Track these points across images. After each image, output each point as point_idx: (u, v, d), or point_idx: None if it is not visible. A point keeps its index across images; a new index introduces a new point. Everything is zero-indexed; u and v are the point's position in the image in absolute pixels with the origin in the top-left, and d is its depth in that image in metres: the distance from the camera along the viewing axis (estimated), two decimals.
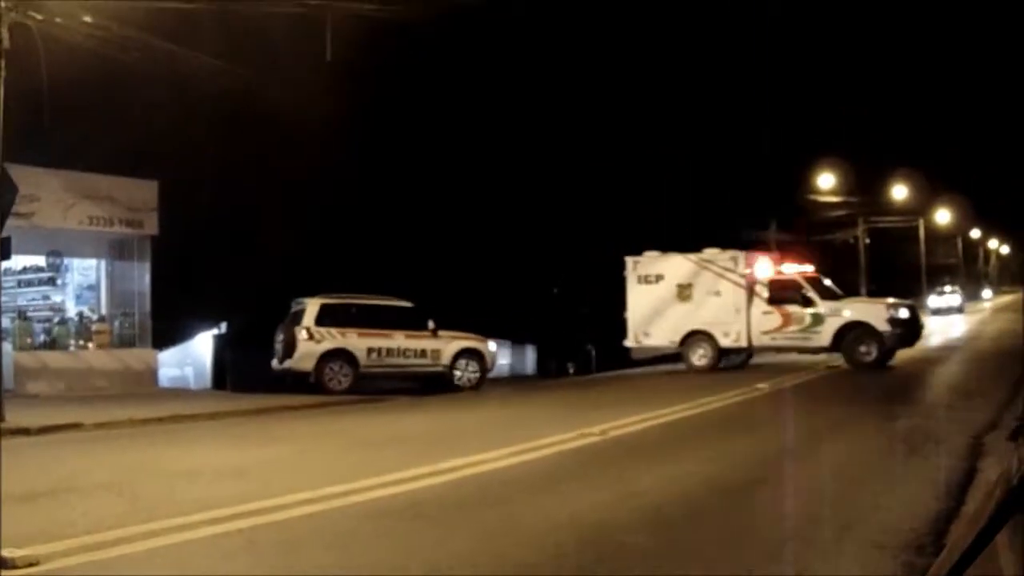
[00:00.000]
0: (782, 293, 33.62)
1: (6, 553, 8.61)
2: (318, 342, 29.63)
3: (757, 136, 58.09)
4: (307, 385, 29.24)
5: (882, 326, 32.20)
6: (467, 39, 38.96)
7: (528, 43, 45.69)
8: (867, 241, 67.80)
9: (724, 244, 36.26)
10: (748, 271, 34.54)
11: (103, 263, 33.09)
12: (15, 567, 8.49)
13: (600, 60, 49.74)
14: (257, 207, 39.37)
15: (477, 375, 31.43)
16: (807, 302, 33.20)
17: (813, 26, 57.52)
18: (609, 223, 57.97)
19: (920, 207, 69.49)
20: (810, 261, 37.35)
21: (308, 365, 29.58)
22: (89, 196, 30.53)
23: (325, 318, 29.96)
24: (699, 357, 34.08)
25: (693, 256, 35.58)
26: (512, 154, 49.83)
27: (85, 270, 33.53)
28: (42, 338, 31.34)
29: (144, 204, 31.73)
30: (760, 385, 26.21)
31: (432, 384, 30.82)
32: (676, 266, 35.39)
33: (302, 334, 29.66)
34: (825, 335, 32.62)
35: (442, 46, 36.71)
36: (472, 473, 13.17)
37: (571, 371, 35.01)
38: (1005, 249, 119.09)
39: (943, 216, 74.75)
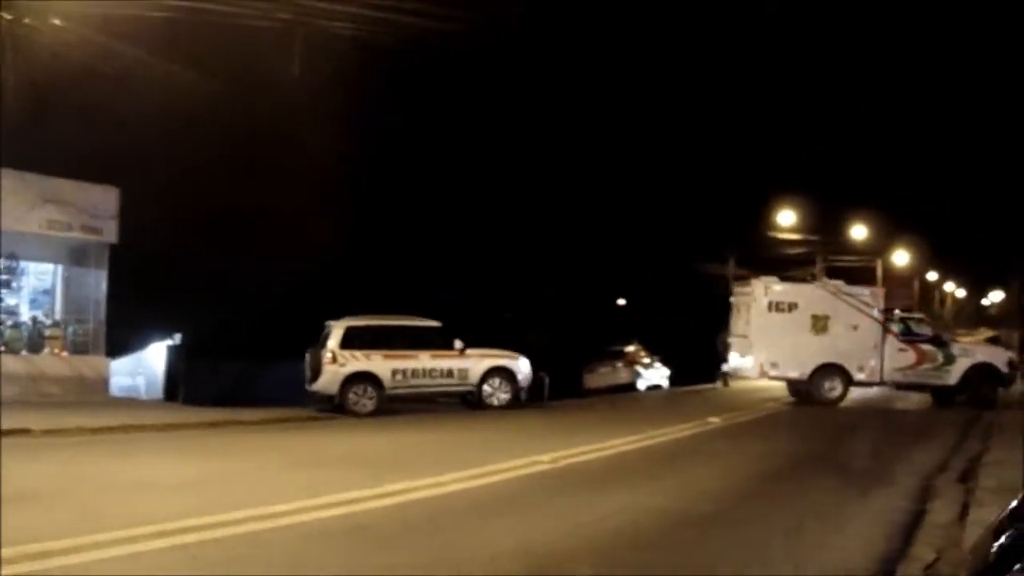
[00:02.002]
0: (910, 331, 34.21)
1: None
2: (342, 365, 29.48)
3: (719, 171, 58.34)
4: (332, 406, 29.36)
5: (1004, 368, 33.44)
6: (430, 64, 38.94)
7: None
8: (825, 279, 68.11)
9: (684, 277, 36.49)
10: (883, 307, 34.89)
11: (60, 268, 32.89)
12: None
13: (556, 89, 49.69)
14: (218, 220, 39.21)
15: (508, 394, 31.18)
16: (940, 342, 34.10)
17: (778, 64, 57.80)
18: (564, 253, 58.18)
19: (879, 248, 69.80)
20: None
21: (333, 388, 29.53)
22: (50, 200, 30.35)
23: (350, 341, 29.79)
24: (829, 390, 33.65)
25: (830, 286, 35.83)
26: (465, 179, 49.87)
27: (41, 274, 33.26)
28: None
29: (105, 211, 31.57)
30: (712, 419, 26.32)
31: (466, 403, 30.95)
32: (812, 296, 35.05)
33: (327, 357, 29.60)
34: (954, 374, 33.36)
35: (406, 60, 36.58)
36: (420, 497, 13.17)
37: (522, 398, 34.92)
38: (961, 292, 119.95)
39: (901, 257, 75.09)
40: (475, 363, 30.87)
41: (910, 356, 33.69)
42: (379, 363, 29.76)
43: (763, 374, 34.60)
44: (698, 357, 53.73)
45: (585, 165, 54.93)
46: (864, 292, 35.65)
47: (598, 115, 52.50)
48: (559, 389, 36.89)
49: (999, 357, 34.35)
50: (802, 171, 59.82)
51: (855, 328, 33.96)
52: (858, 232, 67.03)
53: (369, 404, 29.37)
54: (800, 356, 33.73)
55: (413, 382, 30.18)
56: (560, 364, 40.27)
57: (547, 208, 55.57)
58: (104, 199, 31.64)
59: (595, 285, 63.86)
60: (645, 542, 11.10)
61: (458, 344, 30.62)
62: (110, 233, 31.71)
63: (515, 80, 47.05)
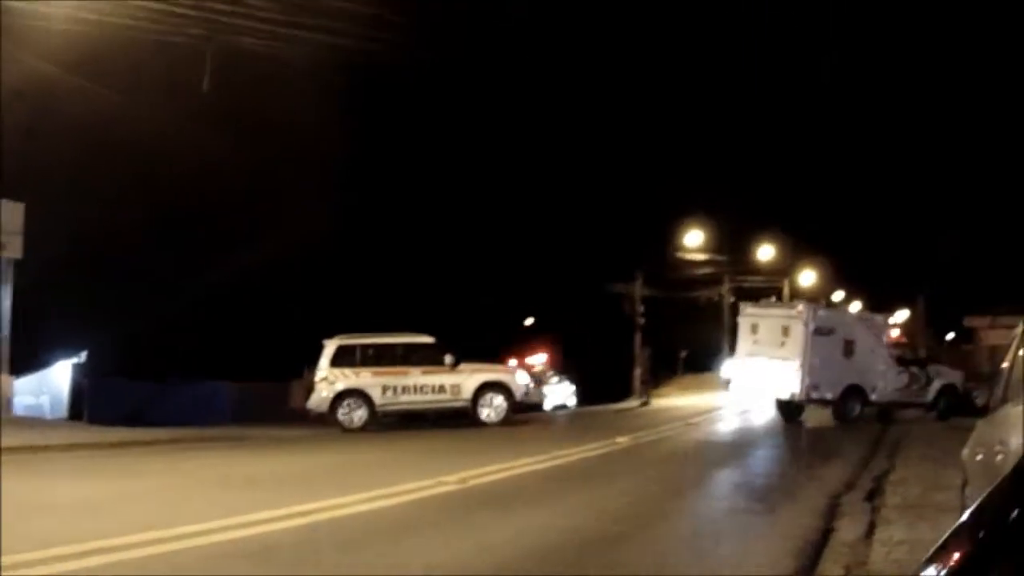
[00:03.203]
0: (903, 355, 36.92)
1: None
2: (332, 383, 30.05)
3: (626, 191, 58.70)
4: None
5: (962, 387, 35.55)
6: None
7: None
8: (732, 299, 68.74)
9: (592, 296, 36.68)
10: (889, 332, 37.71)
11: None
12: None
13: (464, 105, 49.71)
14: (129, 237, 38.83)
15: (503, 409, 31.25)
16: (922, 364, 36.81)
17: (686, 85, 58.39)
18: (473, 273, 58.14)
19: (785, 268, 70.53)
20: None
21: (324, 406, 30.13)
22: None
23: (342, 358, 30.33)
24: (851, 410, 34.65)
25: (858, 312, 39.24)
26: (376, 197, 49.86)
27: None
28: None
29: (10, 226, 31.08)
30: (619, 439, 26.40)
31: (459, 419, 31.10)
32: (844, 321, 36.67)
33: (318, 375, 30.25)
34: (931, 393, 35.92)
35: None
36: (327, 518, 13.10)
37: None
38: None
39: (807, 277, 75.91)
40: (467, 378, 31.15)
41: (904, 378, 35.74)
42: (369, 380, 30.26)
43: (807, 397, 34.98)
44: (606, 375, 53.95)
45: (493, 184, 55.00)
46: (878, 318, 38.13)
47: (506, 133, 52.62)
48: None
49: (959, 378, 36.70)
50: (709, 192, 60.38)
51: (872, 352, 35.48)
52: (765, 252, 67.74)
53: (358, 420, 29.86)
54: (834, 378, 34.69)
55: (404, 398, 30.58)
56: None
57: (455, 228, 55.62)
58: (9, 214, 31.13)
59: (503, 304, 63.95)
60: (553, 562, 11.09)
61: (448, 359, 30.82)
62: (15, 249, 31.18)
63: (429, 99, 47.13)
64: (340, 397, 29.97)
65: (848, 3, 52.52)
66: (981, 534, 2.59)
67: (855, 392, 34.86)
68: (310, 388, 30.48)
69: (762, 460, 24.30)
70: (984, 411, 10.12)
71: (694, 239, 61.85)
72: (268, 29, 24.15)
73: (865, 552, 11.04)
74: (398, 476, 17.15)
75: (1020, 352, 8.96)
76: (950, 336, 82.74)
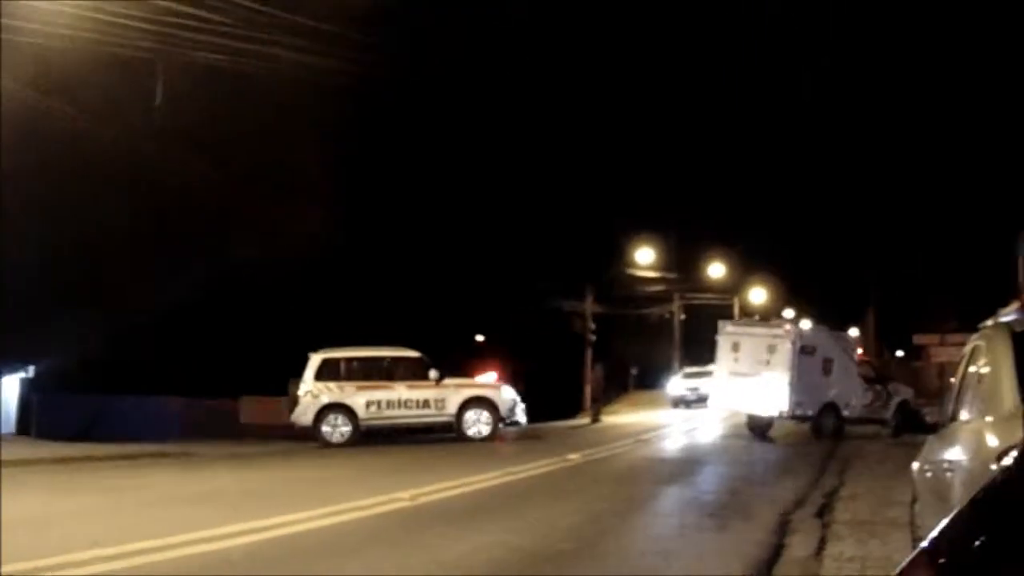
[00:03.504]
0: (865, 373, 37.71)
1: None
2: (315, 397, 30.06)
3: (576, 207, 58.77)
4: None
5: (914, 404, 36.33)
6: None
7: None
8: (682, 317, 69.05)
9: (541, 312, 36.69)
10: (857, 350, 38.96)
11: None
12: None
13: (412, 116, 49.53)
14: (79, 252, 38.56)
15: (488, 425, 31.32)
16: (884, 382, 38.06)
17: (634, 103, 58.58)
18: (422, 289, 57.99)
19: (735, 286, 70.83)
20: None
21: (307, 420, 30.09)
22: None
23: (326, 372, 30.35)
24: (826, 426, 35.11)
25: (832, 331, 39.19)
26: (320, 210, 49.66)
27: None
28: None
29: None
30: (571, 456, 26.32)
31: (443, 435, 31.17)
32: (823, 340, 37.10)
33: (302, 388, 30.24)
34: (891, 409, 36.49)
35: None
36: (279, 534, 13.03)
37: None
38: None
39: (758, 295, 76.23)
40: (452, 393, 31.21)
41: (870, 395, 36.71)
42: (353, 394, 30.24)
43: (792, 415, 35.42)
44: (556, 392, 53.93)
45: (439, 200, 54.89)
46: (850, 338, 40.03)
47: (454, 145, 52.58)
48: None
49: (911, 394, 38.45)
50: (658, 210, 60.52)
51: (846, 370, 36.32)
52: (715, 270, 68.03)
53: (343, 435, 29.94)
54: (814, 396, 35.29)
55: (388, 413, 30.53)
56: None
57: (403, 242, 55.48)
58: None
59: (453, 321, 63.82)
60: None
61: (433, 374, 30.85)
62: None
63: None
64: (324, 411, 29.98)
65: (794, 27, 52.86)
66: (942, 560, 2.60)
67: (831, 409, 35.44)
68: (295, 401, 30.49)
69: (712, 477, 24.33)
70: (934, 428, 10.21)
71: (644, 256, 62.02)
72: (231, 45, 24.11)
73: (816, 568, 11.11)
74: (348, 493, 17.11)
75: (969, 369, 9.04)
76: (900, 353, 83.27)
